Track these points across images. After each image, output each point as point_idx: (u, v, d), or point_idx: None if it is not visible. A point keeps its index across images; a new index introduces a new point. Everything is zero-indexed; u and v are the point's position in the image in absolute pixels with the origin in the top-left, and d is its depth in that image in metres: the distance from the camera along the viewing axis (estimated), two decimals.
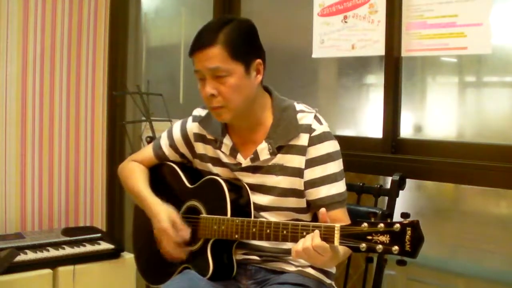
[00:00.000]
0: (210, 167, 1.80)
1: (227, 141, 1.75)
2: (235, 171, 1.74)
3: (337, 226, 1.41)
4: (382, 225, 1.34)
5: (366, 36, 2.24)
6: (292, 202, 1.71)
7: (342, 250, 1.48)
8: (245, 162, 1.72)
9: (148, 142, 2.21)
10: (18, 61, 3.03)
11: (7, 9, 2.97)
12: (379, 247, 1.33)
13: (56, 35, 3.15)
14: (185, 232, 1.71)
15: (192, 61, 1.67)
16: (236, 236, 1.63)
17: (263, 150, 1.69)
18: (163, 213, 1.73)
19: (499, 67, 2.02)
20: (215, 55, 1.60)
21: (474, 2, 1.96)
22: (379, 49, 2.20)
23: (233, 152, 1.74)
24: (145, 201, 1.81)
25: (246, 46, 1.65)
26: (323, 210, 1.47)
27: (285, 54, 2.62)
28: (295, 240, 1.48)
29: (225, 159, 1.76)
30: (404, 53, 2.16)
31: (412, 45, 2.13)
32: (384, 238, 1.33)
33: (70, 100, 3.23)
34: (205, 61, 1.62)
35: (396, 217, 1.39)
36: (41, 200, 3.14)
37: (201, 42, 1.63)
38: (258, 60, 1.68)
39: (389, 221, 1.34)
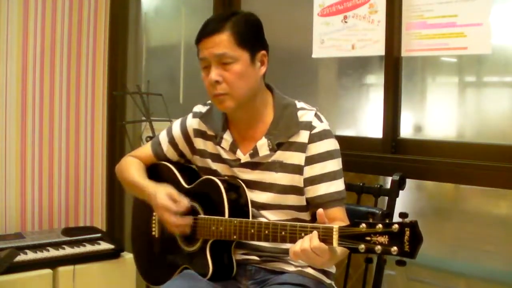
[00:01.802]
0: (210, 163, 1.80)
1: (227, 137, 1.75)
2: (234, 167, 1.74)
3: (336, 227, 1.40)
4: (380, 225, 1.33)
5: (366, 36, 2.24)
6: (291, 199, 1.71)
7: (340, 250, 1.48)
8: (244, 158, 1.72)
9: None
10: (18, 61, 3.03)
11: (7, 9, 2.97)
12: (378, 248, 1.33)
13: (56, 35, 3.15)
14: (185, 202, 1.71)
15: (198, 50, 1.68)
16: (235, 237, 1.63)
17: (263, 146, 1.69)
18: (159, 190, 1.73)
19: (499, 67, 2.02)
20: (222, 41, 1.62)
21: (474, 2, 1.95)
22: (379, 49, 2.20)
23: (233, 147, 1.74)
24: (140, 186, 1.82)
25: (252, 35, 1.67)
26: (320, 211, 1.47)
27: (285, 54, 2.62)
28: (293, 241, 1.48)
29: (224, 155, 1.76)
30: (404, 53, 2.15)
31: (412, 45, 2.12)
32: (383, 239, 1.32)
33: (70, 100, 3.23)
34: (211, 48, 1.63)
35: (396, 217, 1.39)
36: (41, 200, 3.14)
37: (208, 29, 1.65)
38: (263, 52, 1.70)
39: (387, 221, 1.34)
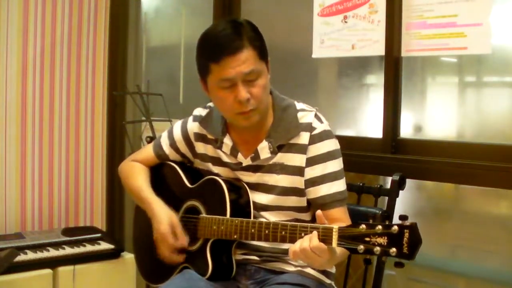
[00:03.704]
0: (211, 166, 1.80)
1: (227, 141, 1.74)
2: (236, 170, 1.74)
3: (335, 227, 1.40)
4: (380, 227, 1.33)
5: (366, 36, 2.24)
6: (293, 201, 1.71)
7: (340, 251, 1.48)
8: (245, 161, 1.72)
9: (148, 142, 2.21)
10: (18, 61, 3.03)
11: (7, 9, 2.97)
12: (377, 249, 1.33)
13: (56, 35, 3.15)
14: (184, 240, 1.72)
15: (211, 69, 1.60)
16: (235, 236, 1.63)
17: (264, 149, 1.69)
18: (164, 217, 1.73)
19: (499, 67, 2.02)
20: (248, 58, 1.58)
21: (474, 2, 1.96)
22: (379, 49, 2.20)
23: (234, 151, 1.73)
24: (146, 201, 1.81)
25: (264, 45, 1.66)
26: (319, 212, 1.47)
27: (285, 54, 2.62)
28: (293, 241, 1.48)
29: (225, 159, 1.76)
30: (404, 53, 2.16)
31: (412, 45, 2.13)
32: (382, 240, 1.32)
33: (70, 100, 3.23)
34: (238, 66, 1.57)
35: (396, 220, 1.39)
36: (41, 200, 3.14)
37: (231, 47, 1.56)
38: (269, 58, 1.69)
39: (387, 223, 1.34)
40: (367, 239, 1.35)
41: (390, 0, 2.16)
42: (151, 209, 1.78)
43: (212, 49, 1.60)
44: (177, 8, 3.37)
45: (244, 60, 1.57)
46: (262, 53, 1.62)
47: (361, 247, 1.35)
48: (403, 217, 1.33)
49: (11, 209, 3.03)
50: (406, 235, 1.30)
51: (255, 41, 1.60)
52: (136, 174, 1.89)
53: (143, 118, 2.92)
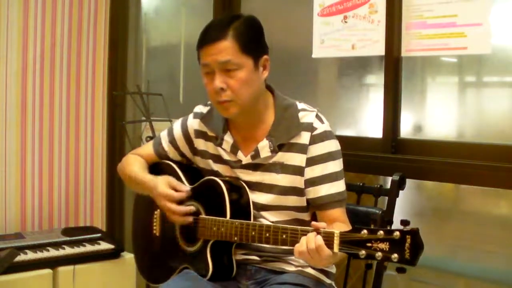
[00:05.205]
0: (211, 164, 1.80)
1: (228, 138, 1.75)
2: (236, 168, 1.75)
3: (337, 232, 1.41)
4: (381, 232, 1.33)
5: (366, 36, 2.24)
6: (292, 200, 1.71)
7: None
8: (245, 159, 1.72)
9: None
10: (18, 61, 3.03)
11: (7, 9, 2.97)
12: (379, 254, 1.33)
13: (56, 35, 3.15)
14: (185, 188, 1.73)
15: (198, 55, 1.68)
16: (235, 238, 1.63)
17: (264, 147, 1.69)
18: (159, 180, 1.76)
19: (499, 67, 2.02)
20: (226, 48, 1.61)
21: (474, 2, 1.96)
22: (379, 49, 2.20)
23: (234, 149, 1.74)
24: (141, 180, 1.83)
25: (255, 41, 1.67)
26: (314, 223, 1.47)
27: (285, 54, 2.62)
28: (294, 244, 1.48)
29: (226, 156, 1.76)
30: (404, 53, 2.16)
31: (412, 45, 2.13)
32: (384, 246, 1.32)
33: (70, 100, 3.23)
34: (215, 55, 1.62)
35: (396, 219, 1.39)
36: (41, 200, 3.14)
37: (211, 36, 1.63)
38: (266, 56, 1.69)
39: (389, 228, 1.34)
40: (369, 244, 1.34)
41: (390, 0, 2.16)
42: (147, 183, 1.80)
43: (200, 36, 1.67)
44: (177, 8, 3.37)
45: (221, 50, 1.61)
46: (247, 47, 1.63)
47: (363, 252, 1.35)
48: (405, 222, 1.33)
49: (11, 209, 3.03)
50: (408, 240, 1.30)
51: (242, 35, 1.63)
52: (133, 162, 1.91)
53: (143, 118, 2.92)
